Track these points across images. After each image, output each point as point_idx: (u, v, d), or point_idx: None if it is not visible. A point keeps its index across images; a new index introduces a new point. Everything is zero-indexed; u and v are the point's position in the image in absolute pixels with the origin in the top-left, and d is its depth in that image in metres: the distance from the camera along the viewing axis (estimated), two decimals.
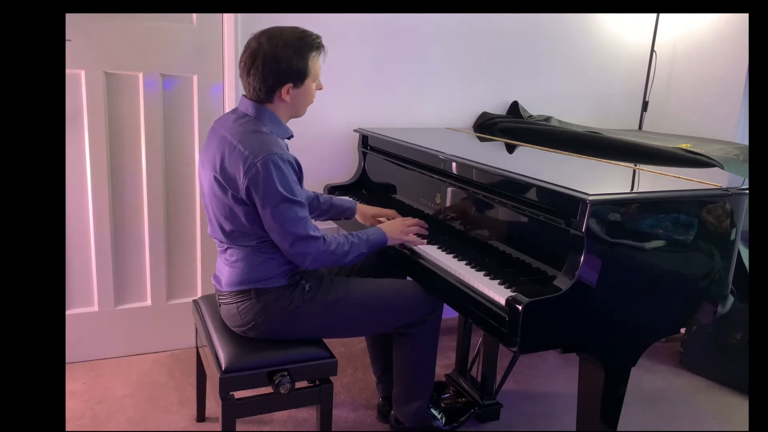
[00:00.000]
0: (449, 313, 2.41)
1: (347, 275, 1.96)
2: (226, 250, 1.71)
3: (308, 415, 2.13)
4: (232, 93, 2.40)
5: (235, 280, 1.68)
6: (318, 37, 1.65)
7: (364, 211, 2.07)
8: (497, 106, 2.89)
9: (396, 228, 1.82)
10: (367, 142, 2.49)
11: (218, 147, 1.62)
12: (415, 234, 1.85)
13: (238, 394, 1.65)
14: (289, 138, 1.71)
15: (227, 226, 1.64)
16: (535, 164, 1.97)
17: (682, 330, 2.66)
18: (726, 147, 2.29)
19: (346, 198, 2.19)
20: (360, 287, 1.79)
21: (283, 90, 1.62)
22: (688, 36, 2.99)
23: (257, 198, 1.55)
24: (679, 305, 1.56)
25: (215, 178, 1.60)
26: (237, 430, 1.66)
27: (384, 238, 1.77)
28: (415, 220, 1.88)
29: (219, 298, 1.76)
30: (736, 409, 2.35)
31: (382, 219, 2.04)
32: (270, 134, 1.62)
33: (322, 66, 1.70)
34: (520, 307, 1.34)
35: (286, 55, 1.58)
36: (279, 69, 1.59)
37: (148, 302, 2.50)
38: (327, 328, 1.75)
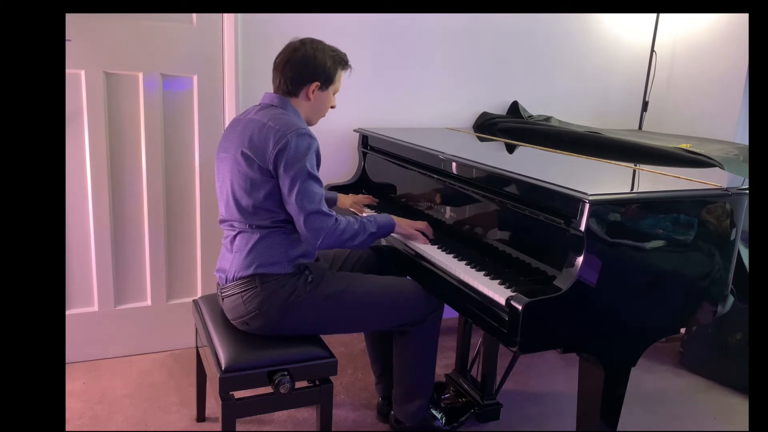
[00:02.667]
0: (449, 313, 2.41)
1: (349, 271, 1.97)
2: (235, 236, 1.73)
3: (308, 415, 2.13)
4: (232, 93, 2.40)
5: (242, 265, 1.70)
6: (346, 56, 1.82)
7: (342, 200, 2.23)
8: (497, 106, 2.89)
9: (404, 220, 1.88)
10: (367, 142, 2.49)
11: (245, 128, 1.70)
12: (420, 234, 1.87)
13: (238, 394, 1.65)
14: None
15: (245, 201, 1.68)
16: (535, 164, 1.97)
17: (682, 330, 2.66)
18: (726, 147, 2.29)
19: (329, 191, 2.31)
20: (362, 282, 1.81)
21: (312, 87, 1.75)
22: (688, 36, 2.99)
23: (281, 167, 1.63)
24: (678, 305, 1.57)
25: (242, 153, 1.67)
26: (237, 430, 1.66)
27: (392, 221, 1.82)
28: (425, 224, 1.91)
29: (222, 292, 1.77)
30: (736, 409, 2.35)
31: (360, 209, 2.22)
32: (296, 117, 1.75)
33: None
34: (520, 307, 1.34)
35: (323, 58, 1.76)
36: (315, 65, 1.74)
37: (148, 302, 2.50)
38: (327, 322, 1.76)
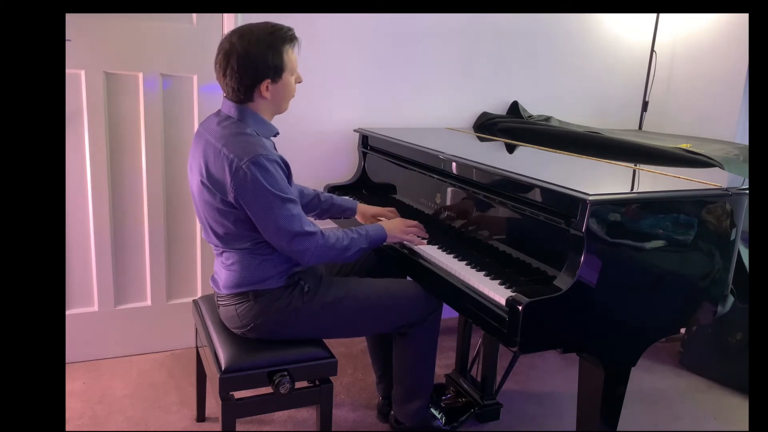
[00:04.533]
0: (449, 313, 2.41)
1: (346, 275, 1.96)
2: (221, 253, 1.70)
3: (308, 415, 2.13)
4: None
5: (232, 283, 1.67)
6: (290, 29, 1.63)
7: (364, 210, 2.07)
8: (497, 106, 2.89)
9: (396, 227, 1.83)
10: (367, 142, 2.49)
11: (203, 151, 1.61)
12: (414, 235, 1.85)
13: (238, 394, 1.65)
14: (275, 135, 1.70)
15: (220, 230, 1.63)
16: (535, 164, 1.97)
17: (682, 330, 2.66)
18: (726, 147, 2.29)
19: (347, 198, 2.18)
20: (360, 287, 1.79)
21: (262, 87, 1.60)
22: (688, 36, 2.99)
23: (247, 201, 1.54)
24: (679, 305, 1.57)
25: (202, 183, 1.59)
26: (237, 430, 1.66)
27: (383, 234, 1.77)
28: (416, 223, 1.88)
29: (217, 300, 1.76)
30: (736, 409, 2.35)
31: (381, 219, 2.04)
32: (254, 135, 1.61)
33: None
34: (520, 307, 1.34)
35: (260, 52, 1.56)
36: (255, 66, 1.57)
37: (148, 302, 2.50)
38: (327, 329, 1.75)
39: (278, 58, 1.59)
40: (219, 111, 1.70)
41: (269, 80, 1.60)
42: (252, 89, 1.60)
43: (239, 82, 1.58)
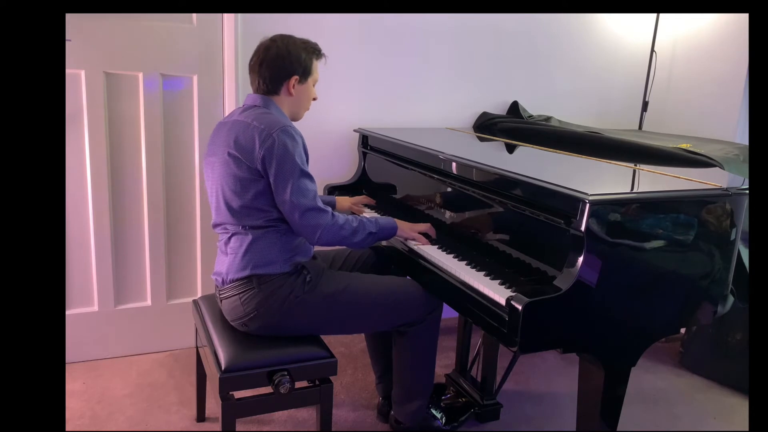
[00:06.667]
0: (449, 313, 2.41)
1: (349, 271, 1.97)
2: (229, 238, 1.73)
3: (308, 415, 2.13)
4: (232, 93, 2.40)
5: (238, 267, 1.69)
6: (318, 45, 1.81)
7: (341, 202, 2.20)
8: (497, 106, 2.89)
9: (406, 224, 1.87)
10: (367, 142, 2.49)
11: (230, 130, 1.70)
12: (422, 236, 1.87)
13: (238, 394, 1.65)
14: None
15: (235, 203, 1.67)
16: (535, 164, 1.97)
17: (682, 330, 2.66)
18: (726, 147, 2.29)
19: (326, 196, 2.31)
20: (361, 282, 1.80)
21: (291, 81, 1.74)
22: (688, 36, 2.99)
23: (272, 166, 1.62)
24: (679, 305, 1.56)
25: (229, 154, 1.66)
26: (237, 430, 1.66)
27: (394, 225, 1.82)
28: (428, 225, 1.91)
29: (220, 293, 1.77)
30: (736, 409, 2.35)
31: (359, 209, 2.20)
32: (281, 115, 1.75)
33: (321, 70, 1.84)
34: (520, 307, 1.34)
35: (296, 50, 1.75)
36: (290, 60, 1.73)
37: (148, 302, 2.50)
38: (326, 322, 1.76)
39: (309, 62, 1.77)
40: (242, 105, 1.80)
41: (298, 77, 1.75)
42: (281, 82, 1.74)
43: (273, 71, 1.73)
